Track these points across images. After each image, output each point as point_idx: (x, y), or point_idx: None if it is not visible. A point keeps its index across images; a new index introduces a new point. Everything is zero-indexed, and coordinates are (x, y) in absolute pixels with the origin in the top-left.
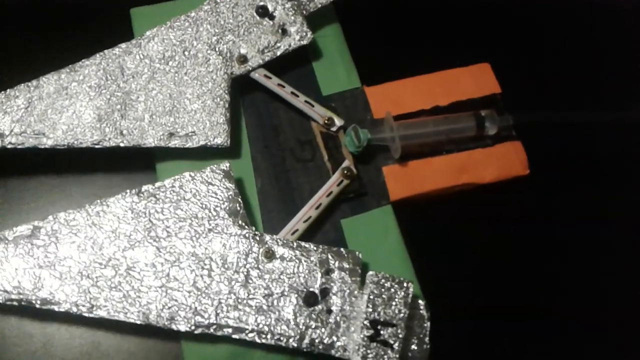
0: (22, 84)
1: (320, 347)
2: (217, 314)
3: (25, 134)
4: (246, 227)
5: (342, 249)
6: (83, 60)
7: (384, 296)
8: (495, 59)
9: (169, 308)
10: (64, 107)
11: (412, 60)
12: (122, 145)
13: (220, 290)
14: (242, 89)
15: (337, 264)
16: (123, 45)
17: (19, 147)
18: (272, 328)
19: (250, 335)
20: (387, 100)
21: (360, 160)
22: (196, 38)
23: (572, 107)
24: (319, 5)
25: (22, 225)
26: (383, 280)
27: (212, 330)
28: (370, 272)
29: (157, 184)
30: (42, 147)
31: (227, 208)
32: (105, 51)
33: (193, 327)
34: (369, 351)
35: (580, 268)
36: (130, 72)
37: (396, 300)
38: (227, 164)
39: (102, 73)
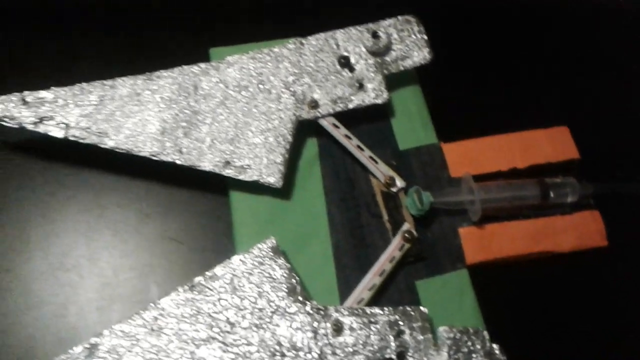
0: (99, 81)
1: None
2: None
3: (90, 130)
4: (307, 301)
5: (407, 308)
6: (161, 71)
7: (463, 350)
8: (575, 122)
9: None
10: (133, 112)
11: (489, 119)
12: (177, 162)
13: None
14: (318, 138)
15: (406, 324)
16: (202, 65)
17: (80, 141)
18: None
19: None
20: (464, 158)
21: (434, 219)
22: (274, 74)
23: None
24: (402, 69)
25: (77, 347)
26: (459, 335)
27: None
28: (443, 328)
29: (208, 274)
30: (102, 146)
31: (285, 287)
32: (185, 67)
33: None
34: None
35: None
36: (203, 93)
37: (476, 352)
38: (274, 240)
39: (176, 87)
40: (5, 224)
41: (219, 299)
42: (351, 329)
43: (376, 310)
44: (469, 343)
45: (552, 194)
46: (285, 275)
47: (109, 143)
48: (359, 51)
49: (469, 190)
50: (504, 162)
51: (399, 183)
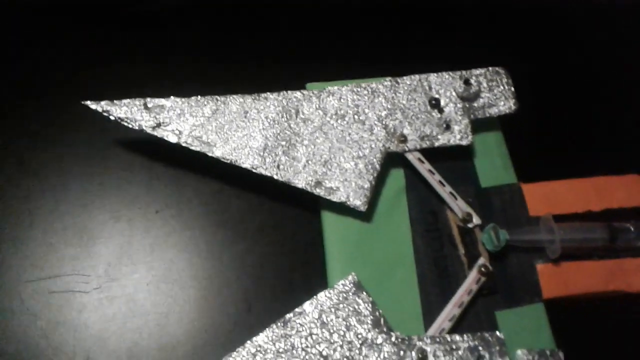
0: (213, 96)
1: None
2: None
3: (201, 139)
4: (391, 332)
5: (485, 333)
6: (268, 93)
7: None
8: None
9: None
10: (240, 127)
11: (566, 164)
12: (275, 177)
13: None
14: (406, 171)
15: (485, 349)
16: (305, 91)
17: (191, 147)
18: None
19: None
20: (543, 199)
21: (512, 255)
22: (369, 107)
23: None
24: (487, 115)
25: None
26: (536, 356)
27: None
28: (521, 350)
29: (298, 310)
30: (210, 155)
31: (370, 319)
32: (289, 92)
33: None
34: None
35: None
36: (304, 117)
37: None
38: (355, 276)
39: (280, 109)
40: (113, 236)
41: (310, 334)
42: (435, 356)
43: (457, 337)
44: None
45: (619, 238)
46: (369, 308)
47: (216, 152)
48: (449, 95)
49: (548, 229)
50: (580, 205)
51: (475, 220)
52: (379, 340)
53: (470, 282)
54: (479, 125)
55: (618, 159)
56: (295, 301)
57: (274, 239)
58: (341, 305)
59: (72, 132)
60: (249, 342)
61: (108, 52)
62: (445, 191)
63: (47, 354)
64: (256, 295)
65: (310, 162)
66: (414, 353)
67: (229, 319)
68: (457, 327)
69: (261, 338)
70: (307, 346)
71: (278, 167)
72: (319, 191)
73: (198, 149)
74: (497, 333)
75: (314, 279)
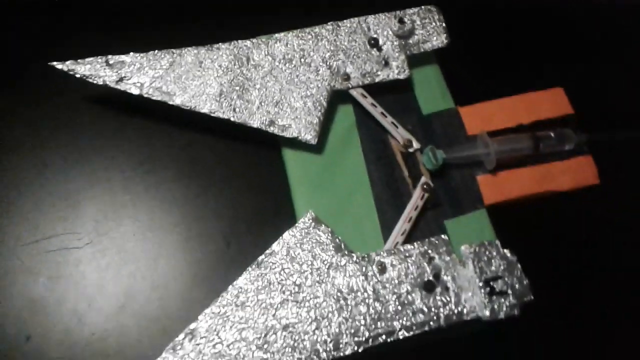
0: (169, 49)
1: (454, 318)
2: (368, 330)
3: (161, 89)
4: (352, 253)
5: (431, 238)
6: (220, 44)
7: (484, 259)
8: (574, 82)
9: (332, 341)
10: (196, 76)
11: (497, 87)
12: (231, 119)
13: (361, 311)
14: (355, 108)
15: (434, 251)
16: (255, 40)
17: (152, 97)
18: (413, 321)
19: (400, 333)
20: (478, 119)
21: (456, 172)
22: (314, 50)
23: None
24: (422, 50)
25: (179, 335)
26: (477, 248)
27: (370, 343)
28: (464, 246)
29: (268, 251)
30: (170, 103)
31: (332, 246)
32: (240, 41)
33: (355, 347)
34: (493, 304)
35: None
36: (254, 63)
37: (493, 257)
38: (312, 213)
39: (232, 58)
40: (96, 196)
41: (282, 269)
42: (392, 266)
43: (409, 246)
44: (487, 252)
45: (542, 145)
46: (329, 237)
47: (176, 101)
48: (386, 34)
49: (483, 144)
50: (512, 120)
51: (415, 145)
52: (343, 262)
53: (416, 199)
54: (416, 59)
55: (542, 76)
56: (268, 235)
57: (244, 183)
58: (305, 240)
59: (43, 103)
60: (230, 286)
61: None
62: (387, 121)
63: (52, 305)
64: (233, 233)
65: (263, 103)
66: (374, 266)
67: (211, 256)
68: (411, 238)
69: (241, 281)
70: (282, 279)
71: (234, 110)
72: (272, 129)
73: (159, 98)
74: (442, 236)
75: (283, 212)
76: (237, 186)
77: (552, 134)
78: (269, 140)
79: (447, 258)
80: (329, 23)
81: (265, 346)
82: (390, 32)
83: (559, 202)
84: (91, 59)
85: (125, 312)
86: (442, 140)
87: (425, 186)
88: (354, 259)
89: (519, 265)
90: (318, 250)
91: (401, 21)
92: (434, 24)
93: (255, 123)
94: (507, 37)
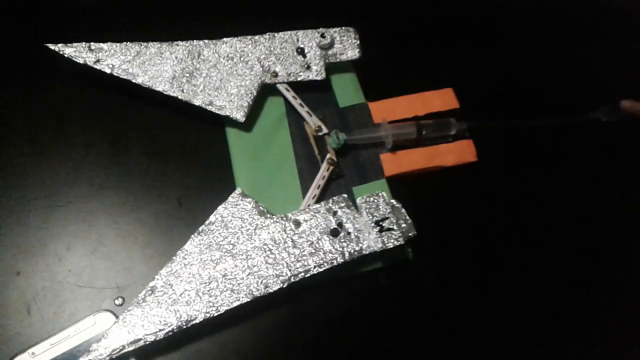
0: (138, 42)
1: (355, 254)
2: (289, 270)
3: (127, 71)
4: (273, 215)
5: (333, 197)
6: (178, 42)
7: (372, 206)
8: (462, 83)
9: (262, 282)
10: (156, 63)
11: (400, 84)
12: (179, 97)
13: (283, 257)
14: (285, 100)
15: (337, 206)
16: (206, 41)
17: (120, 76)
18: (324, 259)
19: (314, 270)
20: (383, 111)
21: (365, 151)
22: (252, 52)
23: (508, 116)
24: (339, 60)
25: (141, 292)
26: (368, 198)
27: (292, 280)
28: (359, 198)
29: (207, 222)
30: (133, 81)
31: (255, 212)
32: (195, 41)
33: (281, 284)
34: (383, 238)
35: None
36: (203, 58)
37: (380, 204)
38: (240, 189)
39: (187, 52)
40: (69, 160)
41: (219, 234)
42: (305, 221)
43: (317, 205)
44: (376, 200)
45: (424, 130)
46: (254, 206)
47: (138, 80)
48: (311, 45)
49: (384, 129)
50: (410, 112)
51: (324, 129)
52: (266, 223)
53: (322, 170)
54: (337, 66)
55: (437, 79)
56: (213, 197)
57: (195, 156)
58: (234, 210)
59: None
60: (179, 251)
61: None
62: (303, 110)
63: (38, 248)
64: (184, 196)
65: (205, 88)
66: (291, 223)
67: (166, 214)
68: (322, 201)
69: (187, 246)
70: (219, 241)
71: (182, 91)
72: (211, 108)
73: (125, 77)
74: (343, 195)
75: (226, 179)
76: (188, 159)
77: (432, 122)
78: (217, 122)
79: (347, 210)
80: (267, 33)
81: (210, 292)
82: (315, 44)
83: (446, 175)
84: (77, 44)
85: (97, 254)
86: (354, 127)
87: (329, 161)
88: (275, 219)
89: (403, 210)
90: (246, 216)
91: (323, 36)
92: (350, 40)
93: (197, 102)
94: (413, 46)
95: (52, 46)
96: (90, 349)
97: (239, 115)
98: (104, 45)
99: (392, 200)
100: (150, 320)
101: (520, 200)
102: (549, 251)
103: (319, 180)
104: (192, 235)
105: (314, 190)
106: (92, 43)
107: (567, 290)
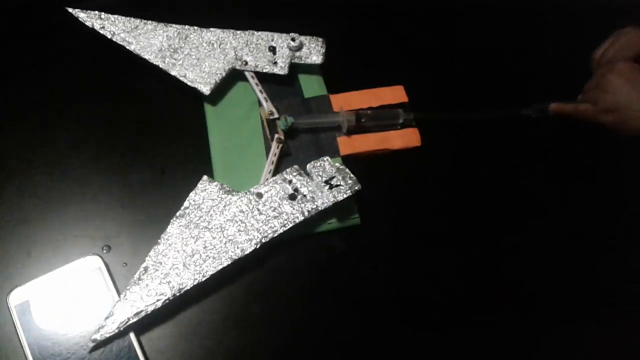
0: (139, 19)
1: (313, 210)
2: (259, 233)
3: (124, 39)
4: (238, 192)
5: (288, 169)
6: (172, 24)
7: (320, 170)
8: (409, 81)
9: (238, 247)
10: (149, 38)
11: (359, 79)
12: (160, 66)
13: (252, 224)
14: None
15: (291, 175)
16: (195, 27)
17: (117, 42)
18: (287, 220)
19: (280, 229)
20: (341, 102)
21: (324, 133)
22: (231, 42)
23: (446, 108)
24: (304, 62)
25: (136, 273)
26: (315, 164)
27: (263, 240)
28: (308, 165)
29: (183, 207)
30: (127, 47)
31: (222, 192)
32: (186, 26)
33: (254, 246)
34: (334, 193)
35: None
36: (189, 40)
37: (326, 166)
38: (205, 177)
39: (176, 33)
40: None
41: (195, 214)
42: (265, 192)
43: (274, 178)
44: (322, 164)
45: (363, 119)
46: (220, 187)
47: (131, 47)
48: (282, 45)
49: (342, 115)
50: (364, 104)
51: (276, 114)
52: (233, 199)
53: (274, 149)
54: (307, 65)
55: (389, 77)
56: (194, 164)
57: (176, 129)
58: (204, 194)
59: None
60: (163, 234)
61: None
62: (262, 97)
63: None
64: (167, 165)
65: (184, 63)
66: (253, 196)
67: (151, 180)
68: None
69: (169, 229)
70: (196, 220)
71: (164, 61)
72: (184, 79)
73: (121, 43)
74: (295, 166)
75: (202, 150)
76: (171, 132)
77: (368, 111)
78: (197, 99)
79: (300, 177)
80: (248, 30)
81: (195, 262)
82: (285, 45)
83: (395, 157)
84: (90, 11)
85: (89, 210)
86: (316, 114)
87: (278, 140)
88: (240, 195)
89: (347, 170)
90: (214, 197)
91: (293, 40)
92: (317, 48)
93: (174, 72)
94: (373, 50)
95: (70, 9)
96: (101, 325)
97: (205, 89)
98: (111, 16)
99: (336, 164)
100: (147, 294)
101: (457, 179)
102: (473, 220)
103: (272, 157)
104: (172, 220)
105: (268, 166)
106: (102, 13)
107: (492, 253)
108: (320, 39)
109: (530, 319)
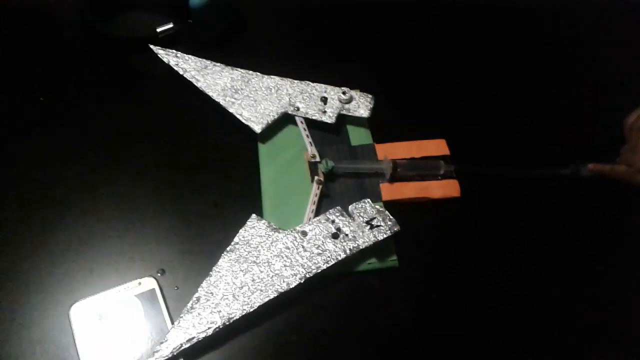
0: (210, 62)
1: (355, 248)
2: (304, 268)
3: (194, 76)
4: (284, 229)
5: (331, 210)
6: (238, 69)
7: (361, 211)
8: (452, 135)
9: (284, 281)
10: (215, 77)
11: (404, 132)
12: (220, 103)
13: (297, 260)
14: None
15: (334, 215)
16: (258, 73)
17: (188, 78)
18: (329, 256)
19: (323, 265)
20: (387, 151)
21: (367, 180)
22: (286, 89)
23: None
24: (352, 114)
25: (188, 303)
26: (357, 205)
27: (307, 275)
28: (351, 206)
29: (233, 242)
30: (195, 84)
31: (270, 230)
32: (250, 71)
33: (299, 280)
34: (374, 233)
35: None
36: (251, 84)
37: (367, 208)
38: (254, 215)
39: (240, 76)
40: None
41: (244, 249)
42: (310, 230)
43: (317, 217)
44: (363, 207)
45: (399, 168)
46: (267, 225)
47: (199, 84)
48: (333, 96)
49: (387, 163)
50: (408, 154)
51: (317, 157)
52: (280, 237)
53: (314, 189)
54: (355, 117)
55: (434, 131)
56: (245, 201)
57: (231, 167)
58: (252, 231)
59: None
60: (214, 267)
61: None
62: (307, 141)
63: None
64: (220, 200)
65: (242, 103)
66: (299, 234)
67: (204, 213)
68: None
69: (219, 262)
70: (245, 255)
71: (225, 99)
72: (239, 117)
73: (190, 79)
74: (337, 207)
75: (254, 188)
76: (226, 169)
77: (407, 161)
78: (252, 141)
79: (342, 218)
80: (305, 81)
81: (243, 294)
82: (336, 97)
83: (435, 206)
84: (168, 49)
85: (147, 237)
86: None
87: (317, 181)
88: (286, 233)
89: (387, 212)
90: (262, 233)
91: (344, 93)
92: (366, 103)
93: (232, 110)
94: (419, 106)
95: (152, 46)
96: (155, 350)
97: (257, 128)
98: (186, 55)
99: (377, 206)
100: (199, 322)
101: (492, 230)
102: (510, 269)
103: (313, 197)
104: (222, 254)
105: (310, 206)
106: (178, 52)
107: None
108: (370, 96)
109: None
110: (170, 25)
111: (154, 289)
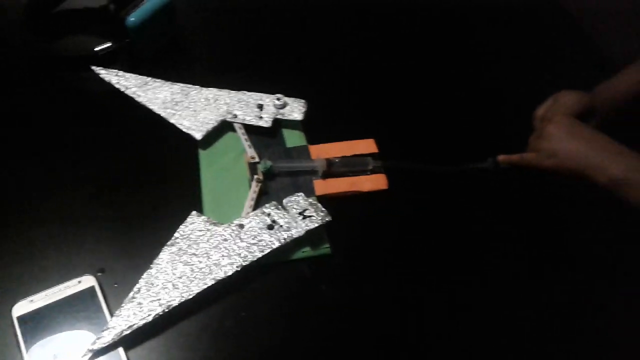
0: (150, 78)
1: (289, 237)
2: (240, 257)
3: (135, 92)
4: (223, 224)
5: (266, 204)
6: (177, 83)
7: (295, 203)
8: (382, 134)
9: (221, 269)
10: (155, 92)
11: (337, 133)
12: (162, 114)
13: (234, 249)
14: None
15: (269, 209)
16: (197, 86)
17: (129, 94)
18: (265, 245)
19: (259, 254)
20: (320, 151)
21: (301, 178)
22: (224, 99)
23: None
24: (287, 118)
25: (135, 287)
26: (290, 198)
27: (243, 263)
28: (285, 199)
29: (173, 237)
30: (136, 99)
31: (208, 224)
32: (188, 85)
33: (236, 269)
34: (307, 222)
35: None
36: (190, 96)
37: (300, 200)
38: (195, 212)
39: (179, 90)
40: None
41: (184, 243)
42: (247, 223)
43: (254, 211)
44: (296, 199)
45: (333, 166)
46: (205, 220)
47: (140, 99)
48: (269, 103)
49: (319, 161)
50: (339, 153)
51: (257, 159)
52: (219, 229)
53: (253, 187)
54: (290, 120)
55: (363, 131)
56: (184, 204)
57: (173, 171)
58: (192, 226)
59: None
60: (155, 259)
61: None
62: (246, 144)
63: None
64: (162, 201)
65: (182, 113)
66: (234, 226)
67: (145, 215)
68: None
69: (160, 255)
70: (185, 248)
71: (165, 111)
72: (181, 126)
73: (131, 95)
74: (272, 202)
75: (195, 190)
76: (167, 174)
77: (337, 159)
78: (192, 148)
79: (277, 210)
80: (242, 91)
81: (182, 282)
82: (271, 103)
83: (365, 198)
84: (109, 69)
85: (89, 238)
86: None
87: (257, 180)
88: (224, 226)
89: (319, 204)
90: (201, 227)
91: (278, 99)
92: (300, 108)
93: (173, 120)
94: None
95: (93, 67)
96: (98, 337)
97: (198, 135)
98: (127, 74)
99: (309, 199)
100: (140, 310)
101: (418, 219)
102: (435, 255)
103: (252, 194)
104: (163, 248)
105: (249, 202)
106: (119, 71)
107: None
108: (303, 101)
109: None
110: (109, 44)
111: (93, 287)
